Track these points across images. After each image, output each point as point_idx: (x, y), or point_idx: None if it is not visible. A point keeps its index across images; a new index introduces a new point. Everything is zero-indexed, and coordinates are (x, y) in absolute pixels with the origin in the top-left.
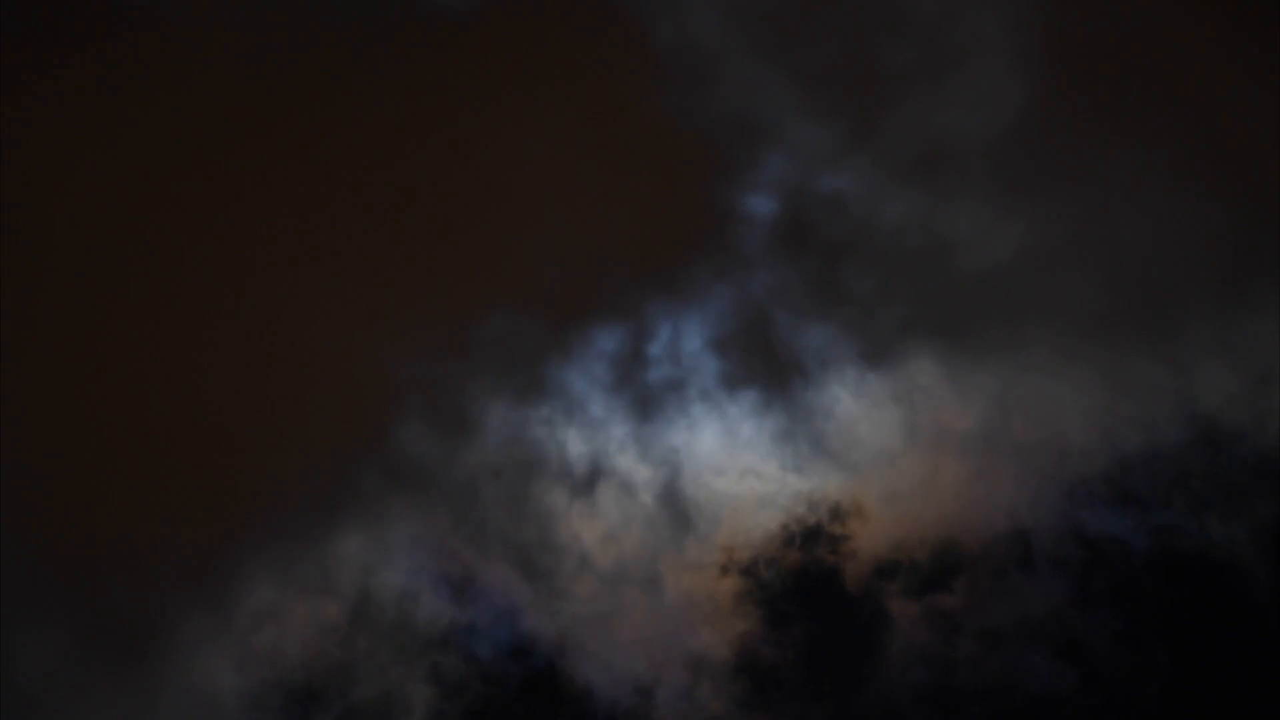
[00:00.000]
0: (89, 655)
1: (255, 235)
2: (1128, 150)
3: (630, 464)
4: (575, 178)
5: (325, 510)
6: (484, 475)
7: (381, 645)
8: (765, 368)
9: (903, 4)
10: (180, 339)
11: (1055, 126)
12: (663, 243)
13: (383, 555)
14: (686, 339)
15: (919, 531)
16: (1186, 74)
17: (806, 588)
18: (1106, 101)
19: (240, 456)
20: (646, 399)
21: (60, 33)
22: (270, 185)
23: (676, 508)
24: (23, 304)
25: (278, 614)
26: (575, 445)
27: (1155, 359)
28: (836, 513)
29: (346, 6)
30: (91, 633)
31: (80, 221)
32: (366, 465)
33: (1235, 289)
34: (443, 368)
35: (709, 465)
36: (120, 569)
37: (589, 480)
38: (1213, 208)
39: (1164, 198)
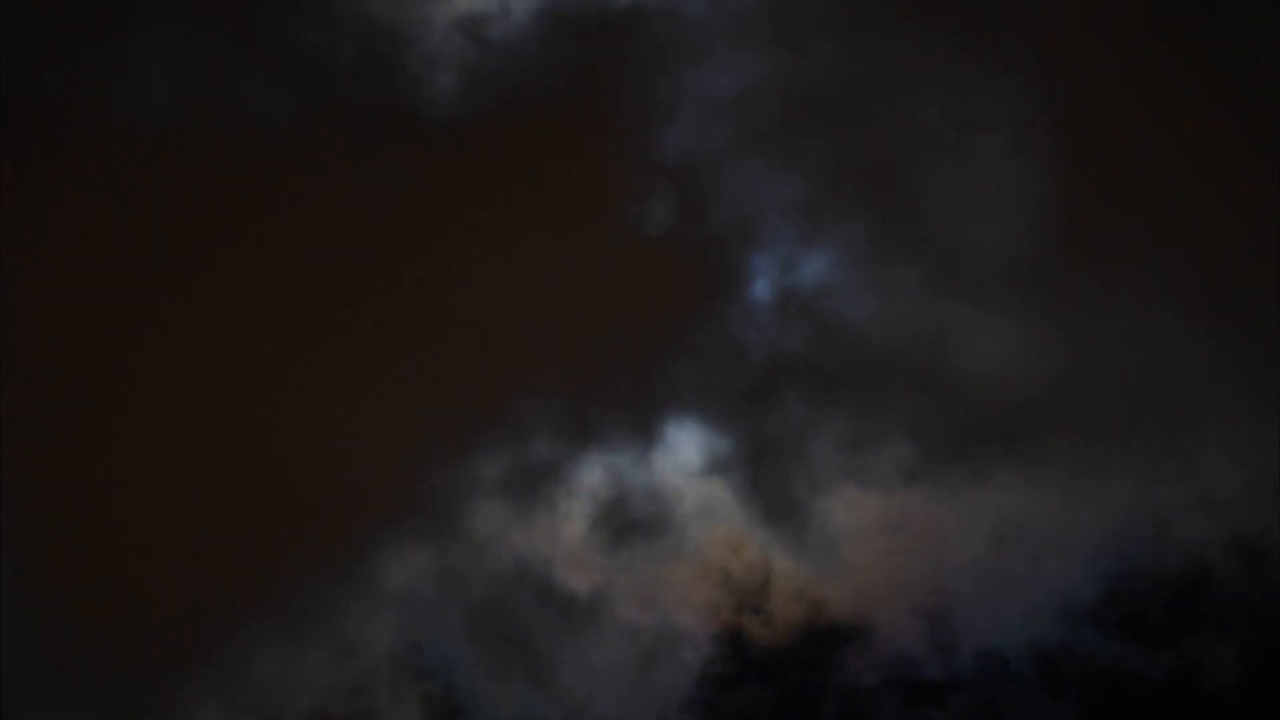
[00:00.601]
0: None
1: (256, 340)
2: (1142, 269)
3: (615, 594)
4: (566, 294)
5: (330, 603)
6: (478, 609)
7: None
8: (759, 490)
9: (912, 125)
10: (189, 425)
11: (1066, 247)
12: (656, 362)
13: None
14: (678, 461)
15: (916, 652)
16: (1203, 201)
17: (795, 715)
18: (1119, 224)
19: (248, 547)
20: (633, 529)
21: (58, 129)
22: (261, 300)
23: (663, 641)
24: (32, 375)
25: (284, 703)
26: (559, 575)
27: (1169, 481)
28: (830, 632)
29: (342, 114)
30: (99, 713)
31: (80, 317)
32: (355, 583)
33: (1253, 411)
34: (434, 486)
35: (693, 596)
36: (129, 651)
37: (576, 616)
38: (1231, 331)
39: (1180, 318)
